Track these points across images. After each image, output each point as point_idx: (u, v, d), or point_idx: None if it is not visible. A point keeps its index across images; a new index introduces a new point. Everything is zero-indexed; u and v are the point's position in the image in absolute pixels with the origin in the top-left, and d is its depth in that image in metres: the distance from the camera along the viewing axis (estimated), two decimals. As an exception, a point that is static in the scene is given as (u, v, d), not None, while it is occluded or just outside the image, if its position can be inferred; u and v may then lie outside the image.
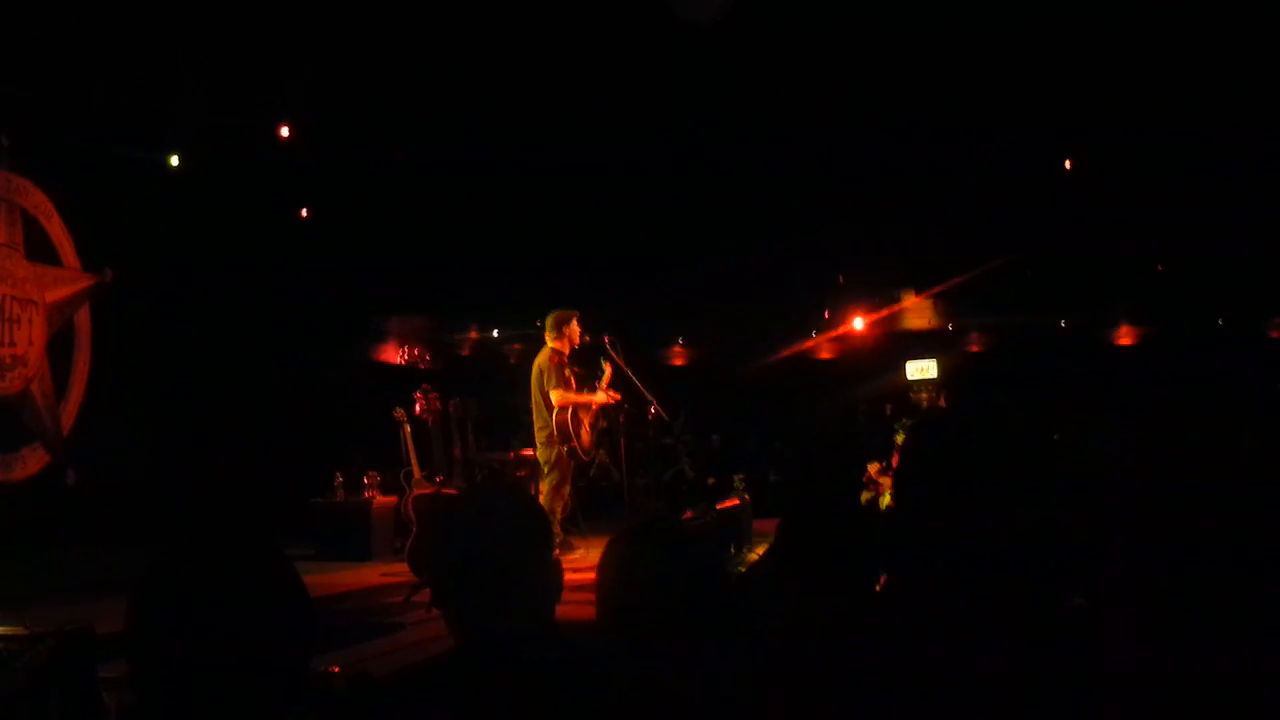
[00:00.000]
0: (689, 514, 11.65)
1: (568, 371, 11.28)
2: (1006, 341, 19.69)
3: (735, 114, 12.75)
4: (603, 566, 2.91)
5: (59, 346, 11.89)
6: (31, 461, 11.47)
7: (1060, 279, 18.17)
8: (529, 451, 11.91)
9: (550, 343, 11.35)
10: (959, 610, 2.61)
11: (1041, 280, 18.46)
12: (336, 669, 5.71)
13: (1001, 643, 2.56)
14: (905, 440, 3.09)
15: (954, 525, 2.70)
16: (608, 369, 11.50)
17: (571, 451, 11.25)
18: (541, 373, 11.23)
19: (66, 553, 10.46)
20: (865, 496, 12.09)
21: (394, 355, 13.85)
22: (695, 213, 15.55)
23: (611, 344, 11.56)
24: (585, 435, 11.38)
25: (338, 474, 12.90)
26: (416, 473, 11.43)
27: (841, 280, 19.26)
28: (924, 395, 17.63)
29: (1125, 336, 20.20)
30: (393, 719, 2.50)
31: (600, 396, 11.48)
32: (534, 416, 11.41)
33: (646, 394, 11.80)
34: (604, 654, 2.70)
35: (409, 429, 11.57)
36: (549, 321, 11.42)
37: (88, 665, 6.13)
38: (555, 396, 11.08)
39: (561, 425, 11.14)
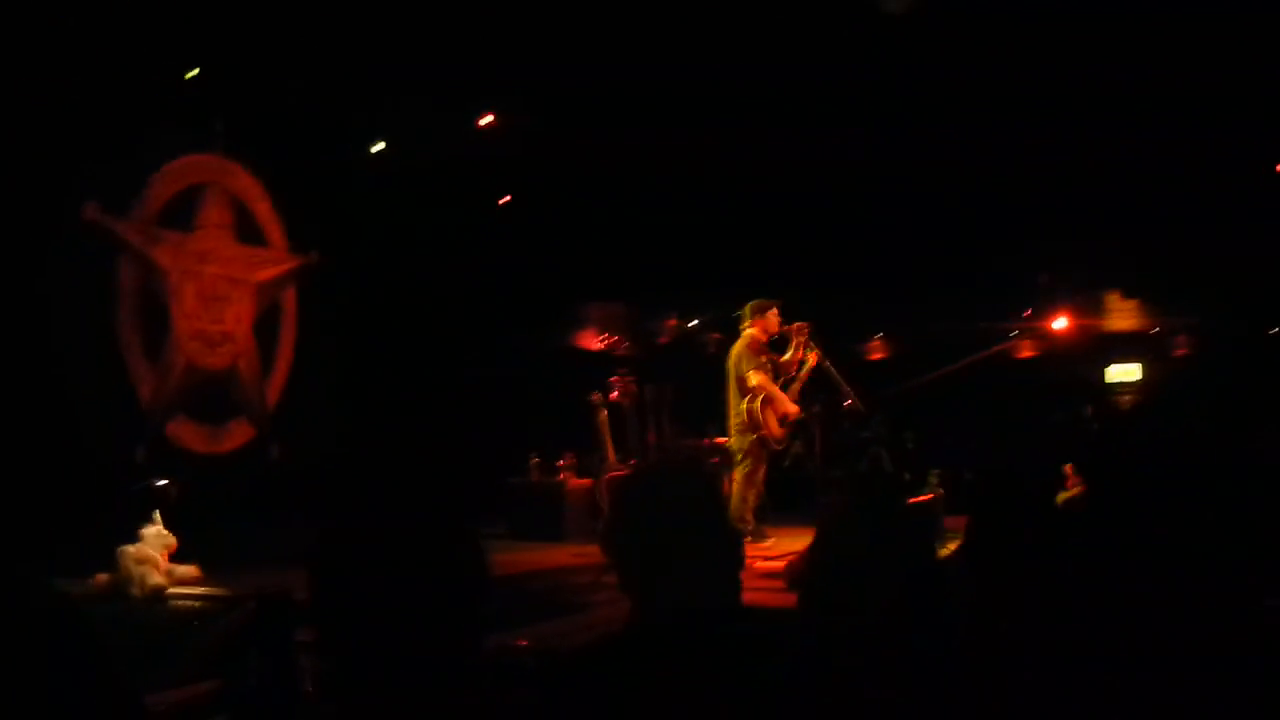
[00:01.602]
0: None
1: (765, 359, 11.16)
2: (1215, 347, 18.86)
3: (946, 106, 12.32)
4: (818, 540, 2.89)
5: (265, 325, 12.15)
6: (238, 434, 11.77)
7: (1275, 284, 17.38)
8: (723, 439, 11.68)
9: (748, 330, 11.26)
10: (1145, 605, 2.58)
11: (1255, 285, 17.64)
12: (524, 643, 5.70)
13: (1189, 638, 2.51)
14: (1097, 437, 2.83)
15: (1139, 523, 2.74)
16: (812, 358, 11.34)
17: (763, 440, 11.04)
18: (739, 358, 11.10)
19: (269, 522, 10.44)
20: (1062, 497, 11.54)
21: (592, 341, 13.93)
22: (900, 207, 15.14)
23: (811, 336, 11.43)
24: (775, 425, 11.09)
25: (533, 456, 12.97)
26: (611, 456, 11.49)
27: (1045, 279, 18.66)
28: (1126, 397, 17.04)
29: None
30: (575, 691, 2.48)
31: (791, 408, 11.30)
32: (729, 404, 11.25)
33: (844, 386, 11.60)
34: (794, 631, 2.67)
35: (605, 414, 11.54)
36: (748, 309, 11.36)
37: (286, 628, 6.28)
38: (754, 379, 10.93)
39: (752, 414, 10.95)
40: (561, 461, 12.78)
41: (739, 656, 2.44)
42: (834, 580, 2.77)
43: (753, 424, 10.95)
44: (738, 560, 2.72)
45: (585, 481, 12.35)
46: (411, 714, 2.11)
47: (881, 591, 2.65)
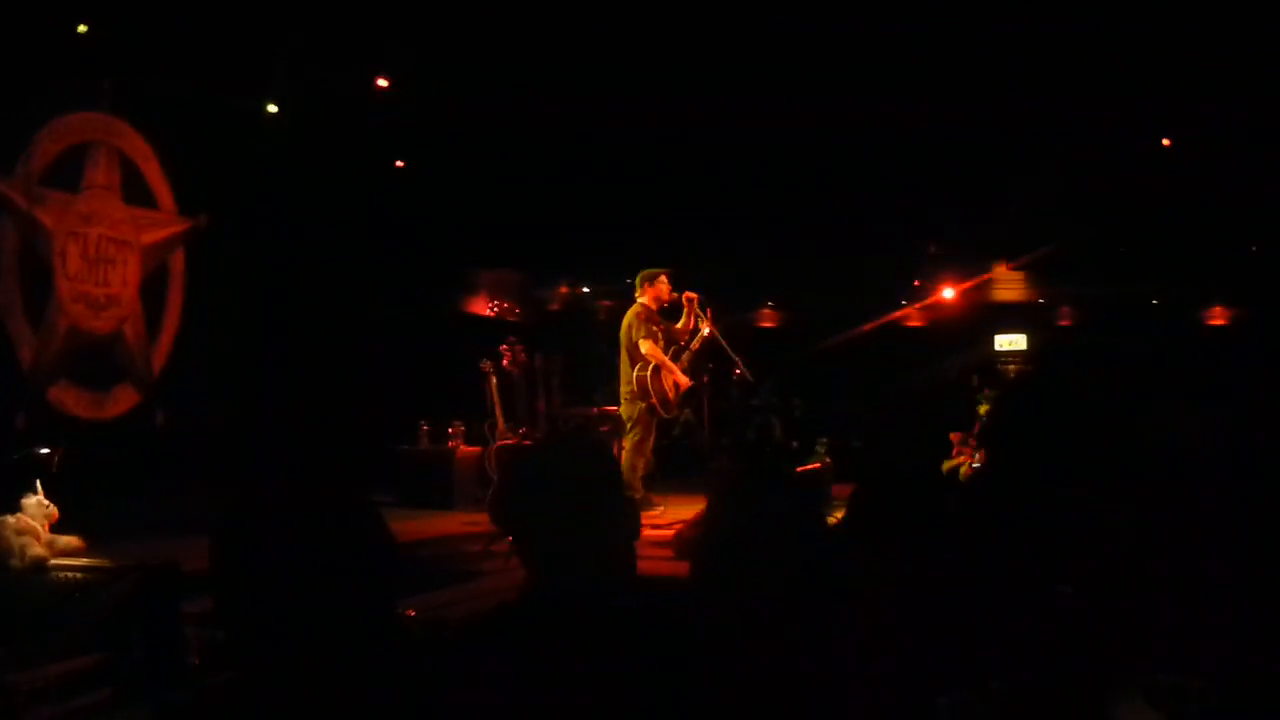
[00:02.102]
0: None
1: (656, 328, 11.20)
2: (1097, 317, 19.36)
3: (831, 73, 12.54)
4: (707, 514, 2.92)
5: (152, 289, 12.09)
6: (122, 400, 11.69)
7: (1153, 255, 17.78)
8: (613, 408, 11.81)
9: (640, 299, 11.31)
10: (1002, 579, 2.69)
11: (1134, 256, 18.10)
12: (412, 612, 5.72)
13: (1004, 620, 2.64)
14: (991, 406, 3.09)
15: (1025, 495, 2.76)
16: (704, 327, 11.41)
17: (652, 409, 11.13)
18: (630, 327, 11.18)
19: (154, 491, 10.57)
20: (946, 465, 12.05)
21: (483, 308, 13.96)
22: (789, 175, 15.27)
23: (700, 303, 11.45)
24: (667, 392, 11.20)
25: (423, 423, 13.09)
26: (500, 424, 11.38)
27: (933, 249, 18.98)
28: (1011, 367, 17.49)
29: (1218, 317, 19.79)
30: (465, 661, 2.50)
31: (682, 378, 11.33)
32: (621, 372, 11.35)
33: (733, 355, 11.61)
34: (687, 604, 2.71)
35: (495, 381, 11.50)
36: (639, 278, 11.40)
37: (171, 600, 6.34)
38: (644, 347, 11.02)
39: (642, 382, 11.04)
40: (451, 429, 12.95)
41: (633, 629, 2.52)
42: (725, 551, 2.79)
43: (643, 392, 11.07)
44: (633, 530, 2.76)
45: (475, 449, 12.46)
46: (311, 683, 2.17)
47: (773, 562, 2.69)
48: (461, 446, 12.80)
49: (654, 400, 11.08)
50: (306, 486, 2.29)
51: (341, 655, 2.18)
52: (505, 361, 11.66)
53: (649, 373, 11.04)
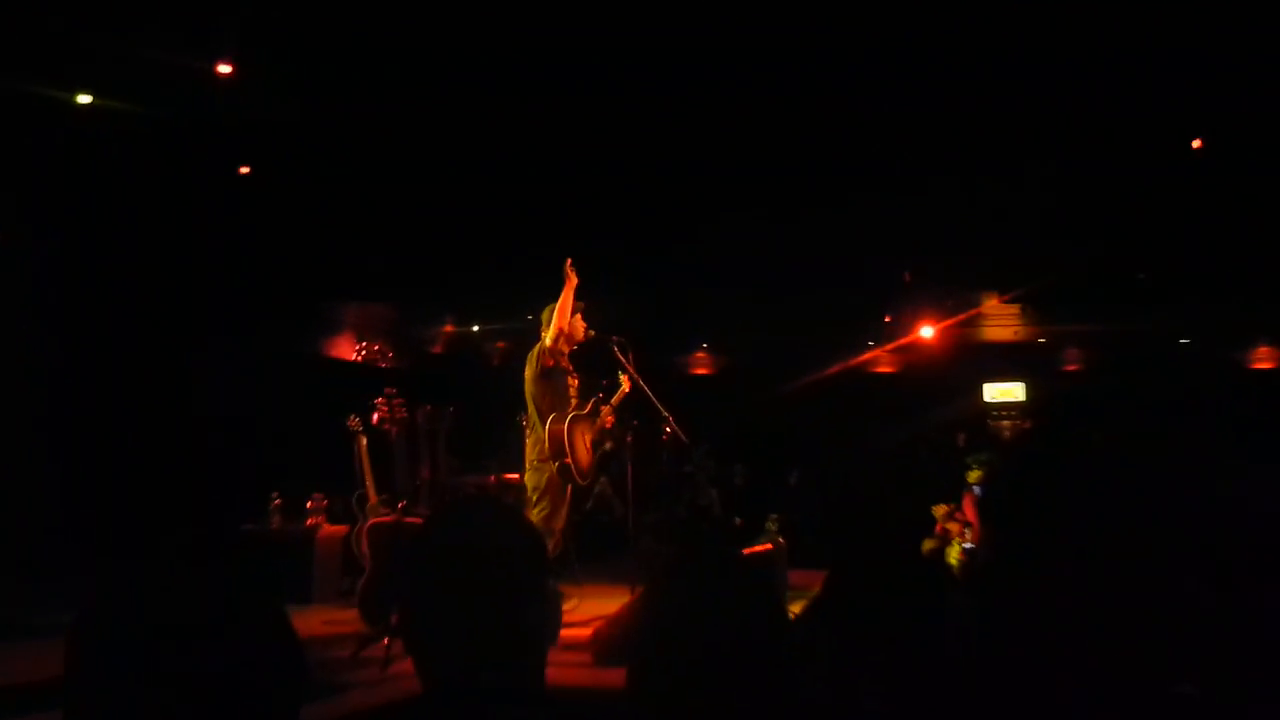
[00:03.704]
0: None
1: (569, 380, 11.19)
2: (1112, 359, 19.50)
3: (775, 61, 12.62)
4: (644, 607, 2.82)
5: None
6: None
7: (1181, 283, 17.73)
8: (514, 475, 11.76)
9: (546, 339, 11.23)
10: (1048, 689, 2.62)
11: (1157, 285, 18.10)
12: None
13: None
14: (986, 473, 3.07)
15: (1046, 589, 2.71)
16: (625, 383, 11.42)
17: (564, 470, 10.94)
18: (531, 372, 11.08)
19: None
20: (928, 545, 12.10)
21: (349, 351, 13.86)
22: (726, 185, 15.19)
23: (621, 347, 11.32)
24: (583, 453, 11.13)
25: (274, 496, 12.93)
26: (373, 497, 11.24)
27: (908, 278, 19.02)
28: (1006, 424, 17.59)
29: (1264, 359, 19.89)
30: None
31: (605, 411, 11.37)
32: (525, 429, 11.29)
33: (662, 410, 11.52)
34: None
35: (365, 443, 11.39)
36: (545, 315, 11.19)
37: None
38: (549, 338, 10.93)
39: (556, 438, 10.90)
40: (310, 503, 12.82)
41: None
42: (663, 653, 2.70)
43: (556, 450, 10.92)
44: (553, 628, 2.79)
45: (340, 529, 12.39)
46: None
47: (723, 665, 2.63)
48: (323, 525, 12.70)
49: (568, 461, 10.95)
50: (176, 577, 2.24)
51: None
52: (377, 418, 11.57)
53: (565, 425, 10.93)
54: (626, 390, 11.37)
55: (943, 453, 15.47)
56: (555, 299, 11.22)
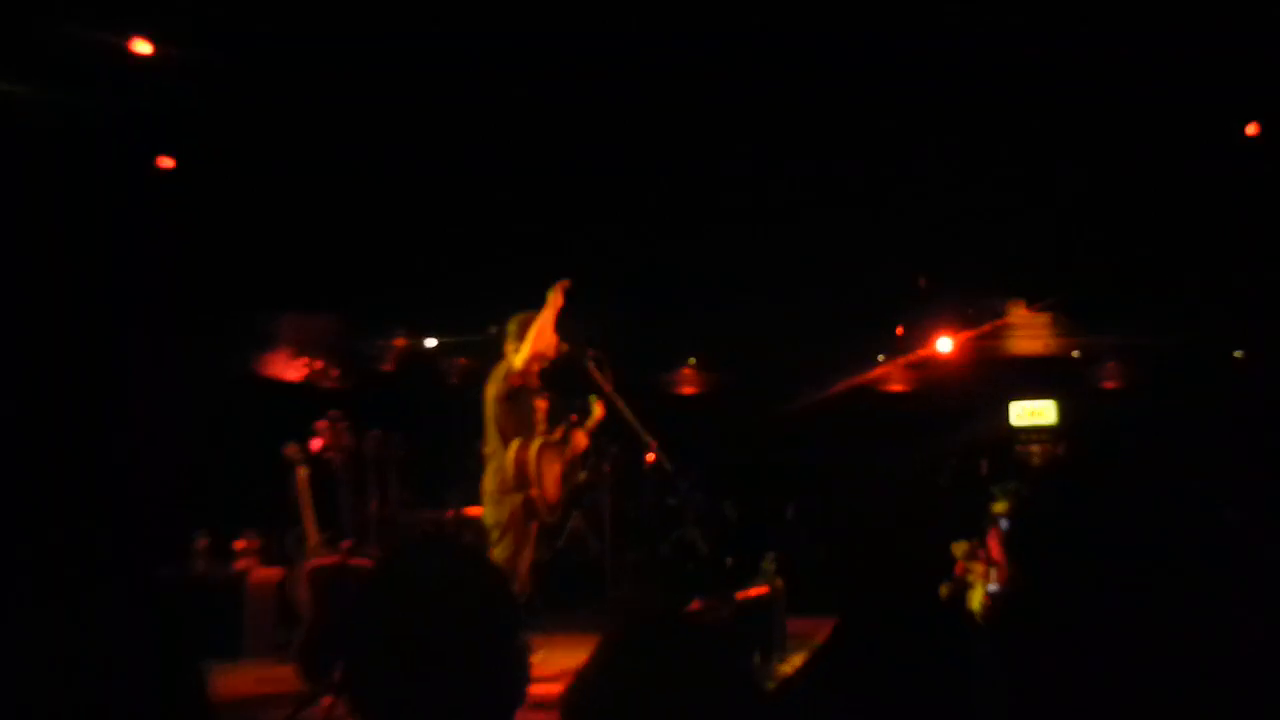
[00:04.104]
0: (697, 605, 11.61)
1: (537, 401, 11.19)
2: (1156, 376, 19.49)
3: (771, 48, 12.67)
4: (578, 687, 2.74)
5: None
6: None
7: (1237, 288, 17.56)
8: (474, 510, 11.76)
9: (513, 355, 11.11)
10: None
11: (1209, 290, 17.95)
12: None
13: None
14: (1015, 513, 3.02)
15: (1082, 639, 2.63)
16: (598, 409, 11.44)
17: (529, 504, 10.97)
18: (495, 393, 11.05)
19: None
20: (947, 589, 12.11)
21: (287, 369, 13.84)
22: (715, 172, 15.12)
23: (597, 362, 11.34)
24: (551, 484, 11.14)
25: (198, 536, 12.92)
26: (313, 536, 11.24)
27: (922, 284, 19.04)
28: (1035, 449, 17.60)
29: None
30: None
31: (578, 437, 11.40)
32: (485, 456, 11.19)
33: (643, 435, 11.56)
34: None
35: (305, 474, 11.30)
36: (512, 327, 11.20)
37: None
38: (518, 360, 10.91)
39: (521, 466, 10.90)
40: (241, 543, 12.87)
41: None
42: None
43: (521, 480, 10.91)
44: (521, 685, 2.78)
45: (275, 572, 12.38)
46: None
47: None
48: (255, 569, 12.70)
49: (535, 492, 10.97)
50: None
51: None
52: (319, 445, 11.60)
53: (532, 452, 10.95)
54: (601, 415, 11.37)
55: (963, 482, 15.51)
56: (523, 309, 11.23)
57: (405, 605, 2.68)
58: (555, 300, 10.90)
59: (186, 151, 14.01)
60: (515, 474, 10.97)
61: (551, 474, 11.14)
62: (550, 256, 14.05)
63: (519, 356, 10.88)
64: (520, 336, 11.03)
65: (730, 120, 13.80)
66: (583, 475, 11.46)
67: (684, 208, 15.69)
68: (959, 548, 12.24)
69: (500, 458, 11.04)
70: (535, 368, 11.10)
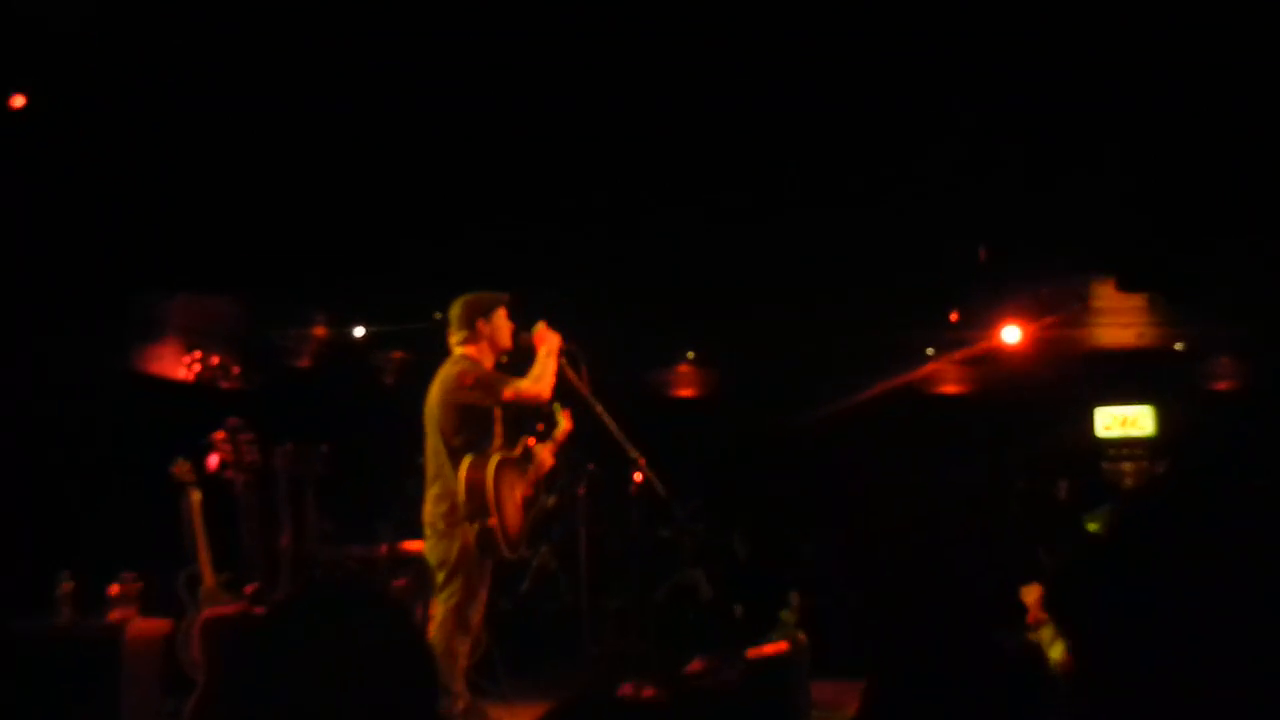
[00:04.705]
0: (698, 665, 11.59)
1: (495, 408, 11.07)
2: (1281, 374, 19.44)
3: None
4: None
5: None
6: None
7: None
8: (413, 544, 11.75)
9: (459, 347, 11.18)
10: None
11: None
12: None
13: None
14: (1105, 547, 2.97)
15: (1187, 703, 2.60)
16: (566, 419, 11.38)
17: (486, 537, 10.86)
18: (446, 396, 11.02)
19: None
20: (1009, 646, 12.01)
21: (175, 365, 13.81)
22: (716, 117, 14.85)
23: (570, 358, 11.32)
24: (513, 512, 11.05)
25: (63, 579, 12.87)
26: (209, 578, 11.34)
27: (983, 257, 18.88)
28: (1128, 466, 17.55)
29: None
30: None
31: (544, 453, 11.36)
32: (427, 476, 11.16)
33: (629, 449, 11.51)
34: None
35: (198, 498, 11.44)
36: (457, 311, 11.26)
37: None
38: (509, 387, 10.91)
39: (475, 488, 10.78)
40: (116, 588, 12.56)
41: None
42: None
43: (476, 507, 10.76)
44: None
45: (160, 624, 12.20)
46: None
47: None
48: (134, 620, 12.60)
49: (494, 521, 10.82)
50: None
51: None
52: (217, 462, 11.61)
53: (489, 471, 10.83)
54: (570, 427, 11.32)
55: (1037, 510, 15.48)
56: (470, 289, 11.24)
57: (303, 666, 2.69)
58: (546, 336, 11.14)
59: (48, 87, 13.97)
60: (468, 499, 10.87)
61: (513, 499, 11.09)
62: (507, 229, 14.03)
63: (509, 387, 10.94)
64: (465, 323, 10.99)
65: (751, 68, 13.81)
66: (551, 501, 11.43)
67: (680, 170, 15.55)
68: (1031, 593, 12.16)
69: (448, 479, 11.00)
70: (489, 360, 11.05)
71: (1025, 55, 13.89)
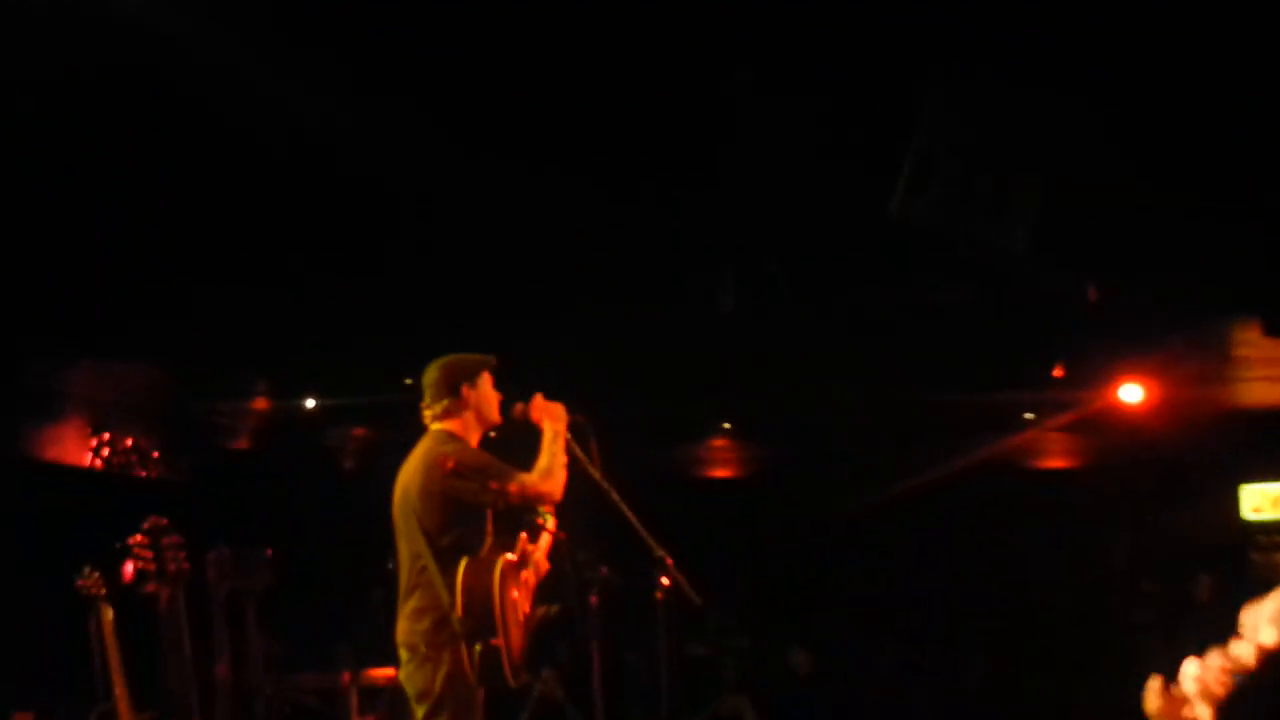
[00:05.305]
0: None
1: (485, 483, 10.93)
2: None
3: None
4: None
5: None
6: None
7: None
8: (383, 672, 11.68)
9: (438, 422, 11.09)
10: None
11: None
12: None
13: None
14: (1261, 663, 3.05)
15: None
16: (551, 521, 11.23)
17: (490, 662, 10.53)
18: (432, 484, 10.72)
19: None
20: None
21: (79, 448, 13.84)
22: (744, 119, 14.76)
23: (578, 431, 11.14)
24: (515, 631, 10.76)
25: (-60, 715, 12.93)
26: (125, 716, 11.29)
27: (1094, 296, 18.77)
28: (1280, 556, 17.52)
29: None
30: None
31: (538, 553, 11.25)
32: (401, 586, 10.97)
33: (653, 547, 11.39)
34: None
35: (111, 617, 11.40)
36: (434, 377, 11.15)
37: None
38: (516, 482, 10.61)
39: (478, 596, 10.47)
40: (14, 726, 12.83)
41: None
42: None
43: (477, 623, 10.45)
44: None
45: (65, 778, 12.35)
46: None
47: None
48: (32, 772, 12.65)
49: (499, 641, 10.55)
50: None
51: None
52: (133, 571, 11.57)
53: (494, 578, 10.57)
54: (553, 530, 11.15)
55: (1170, 611, 15.45)
56: (450, 351, 11.19)
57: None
58: (550, 411, 11.00)
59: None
60: (467, 613, 10.57)
61: (515, 614, 10.83)
62: (497, 276, 14.01)
63: (516, 481, 10.64)
64: (446, 390, 10.89)
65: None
66: (551, 610, 11.27)
67: (709, 189, 15.48)
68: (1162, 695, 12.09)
69: (432, 588, 10.75)
70: (476, 434, 10.97)
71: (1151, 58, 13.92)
